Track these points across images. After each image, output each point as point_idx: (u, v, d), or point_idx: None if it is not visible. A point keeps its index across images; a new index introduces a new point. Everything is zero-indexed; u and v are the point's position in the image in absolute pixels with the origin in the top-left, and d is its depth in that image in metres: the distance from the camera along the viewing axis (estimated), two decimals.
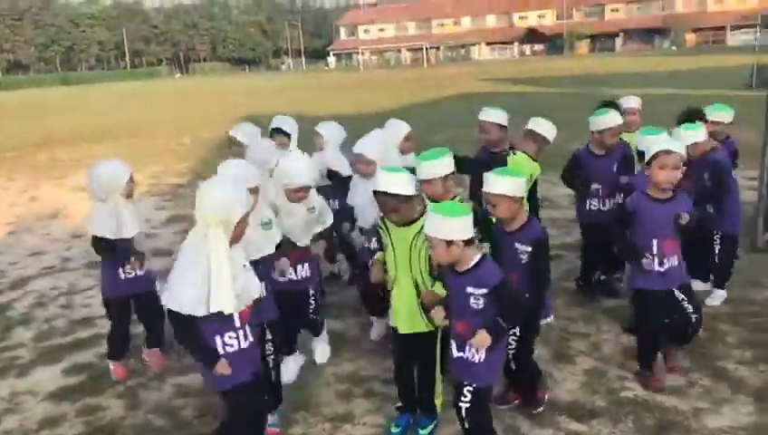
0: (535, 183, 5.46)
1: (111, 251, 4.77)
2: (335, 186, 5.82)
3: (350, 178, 6.10)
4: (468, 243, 3.31)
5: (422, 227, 3.68)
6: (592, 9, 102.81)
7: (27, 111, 38.03)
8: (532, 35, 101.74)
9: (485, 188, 3.86)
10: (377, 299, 4.83)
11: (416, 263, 3.80)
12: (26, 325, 6.17)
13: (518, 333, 4.07)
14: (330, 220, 4.83)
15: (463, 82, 39.27)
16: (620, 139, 5.77)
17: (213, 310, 3.25)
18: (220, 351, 3.38)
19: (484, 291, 3.31)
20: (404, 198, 3.65)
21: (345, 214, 5.50)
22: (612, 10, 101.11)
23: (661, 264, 4.31)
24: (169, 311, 3.33)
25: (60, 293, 7.01)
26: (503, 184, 3.78)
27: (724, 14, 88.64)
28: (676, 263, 4.36)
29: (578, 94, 24.29)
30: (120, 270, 4.85)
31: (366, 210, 4.95)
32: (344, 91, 40.02)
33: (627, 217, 4.44)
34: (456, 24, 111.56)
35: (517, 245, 3.90)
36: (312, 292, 4.81)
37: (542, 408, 4.17)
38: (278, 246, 4.24)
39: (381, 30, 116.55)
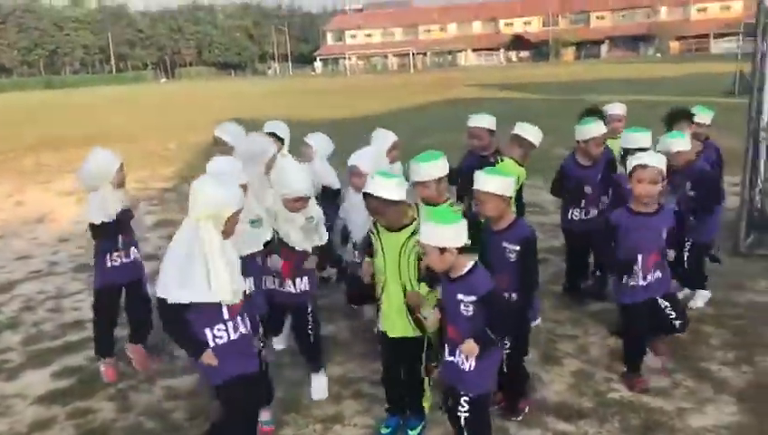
0: (521, 187, 5.53)
1: (108, 233, 4.84)
2: (326, 199, 5.87)
3: (339, 190, 6.17)
4: (461, 250, 3.34)
5: (412, 233, 3.77)
6: (578, 16, 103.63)
7: (11, 115, 37.71)
8: (518, 42, 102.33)
9: (476, 186, 3.91)
10: (361, 296, 4.88)
11: (405, 268, 3.85)
12: (14, 329, 6.15)
13: (512, 335, 4.11)
14: (325, 237, 4.68)
15: (449, 88, 39.43)
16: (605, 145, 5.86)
17: (212, 299, 3.30)
18: (210, 344, 3.43)
19: (474, 298, 3.33)
20: (390, 202, 3.71)
21: (334, 228, 5.57)
22: (598, 18, 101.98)
23: (645, 278, 4.43)
24: (159, 300, 3.37)
25: (47, 297, 7.00)
26: (492, 182, 3.84)
27: (708, 23, 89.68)
28: (660, 275, 4.47)
29: (563, 100, 24.48)
30: (108, 257, 4.91)
31: (359, 224, 4.99)
32: (332, 96, 40.06)
33: (611, 232, 4.52)
34: (443, 30, 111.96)
35: (505, 244, 3.96)
36: (310, 308, 4.63)
37: (520, 417, 4.20)
38: (267, 244, 4.26)
39: (368, 35, 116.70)
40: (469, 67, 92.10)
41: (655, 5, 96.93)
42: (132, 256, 5.04)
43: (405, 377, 4.10)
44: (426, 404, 4.12)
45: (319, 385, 4.65)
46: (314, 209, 4.58)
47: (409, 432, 4.09)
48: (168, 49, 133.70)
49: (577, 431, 4.06)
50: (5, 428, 4.45)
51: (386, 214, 3.77)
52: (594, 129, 5.65)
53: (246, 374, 3.55)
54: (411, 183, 4.10)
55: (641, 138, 5.30)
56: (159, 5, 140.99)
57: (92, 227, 4.86)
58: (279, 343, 5.30)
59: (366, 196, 3.78)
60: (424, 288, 3.79)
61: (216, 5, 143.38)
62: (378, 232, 3.93)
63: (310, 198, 4.45)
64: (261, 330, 4.14)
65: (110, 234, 4.88)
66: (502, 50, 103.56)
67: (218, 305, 3.44)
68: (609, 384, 4.58)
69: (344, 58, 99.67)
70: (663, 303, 4.50)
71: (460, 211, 3.72)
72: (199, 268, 3.31)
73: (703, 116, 6.24)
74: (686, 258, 5.72)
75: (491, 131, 5.66)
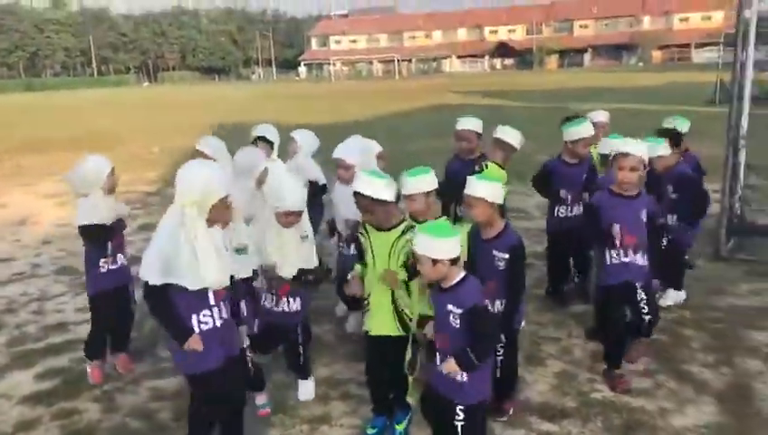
0: None
1: (97, 234, 4.82)
2: (312, 195, 5.90)
3: (324, 186, 6.21)
4: (454, 262, 3.39)
5: (402, 233, 3.82)
6: (562, 25, 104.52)
7: None
8: (502, 49, 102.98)
9: (466, 190, 3.96)
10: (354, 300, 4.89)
11: (393, 268, 3.88)
12: None
13: (503, 339, 4.16)
14: (314, 263, 4.49)
15: (434, 95, 39.60)
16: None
17: (200, 285, 3.34)
18: (195, 329, 3.45)
19: (461, 311, 3.34)
20: (378, 202, 3.76)
21: (316, 222, 5.61)
22: (581, 26, 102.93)
23: (626, 255, 4.51)
24: (145, 285, 3.38)
25: (30, 299, 6.95)
26: (482, 188, 3.90)
27: (690, 32, 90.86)
28: (640, 262, 4.55)
29: (547, 108, 24.67)
30: (101, 262, 4.89)
31: (346, 216, 5.04)
32: (317, 101, 40.08)
33: (593, 212, 4.66)
34: (428, 36, 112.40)
35: (495, 252, 4.01)
36: (300, 328, 4.57)
37: (505, 418, 4.25)
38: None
39: (353, 41, 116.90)
40: (454, 74, 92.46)
41: (637, 15, 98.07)
42: (119, 263, 5.02)
43: (389, 375, 4.12)
44: (410, 398, 4.13)
45: (306, 389, 4.67)
46: (308, 226, 4.47)
47: (396, 427, 4.13)
48: (151, 53, 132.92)
49: (560, 431, 4.12)
50: None
51: (375, 213, 3.82)
52: (583, 130, 5.76)
53: (222, 367, 3.55)
54: (402, 195, 4.12)
55: (618, 143, 5.40)
56: (143, 9, 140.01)
57: (83, 229, 4.81)
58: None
59: (356, 194, 3.83)
60: (402, 273, 3.82)
61: (200, 10, 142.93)
62: (367, 232, 3.97)
63: (301, 212, 4.34)
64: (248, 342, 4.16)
65: (101, 238, 4.86)
66: (486, 57, 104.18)
67: (205, 291, 3.46)
68: (591, 385, 4.65)
69: (329, 64, 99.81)
70: (640, 294, 4.55)
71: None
72: (185, 255, 3.32)
73: (680, 125, 6.38)
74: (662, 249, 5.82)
75: (478, 134, 5.76)
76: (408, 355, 4.01)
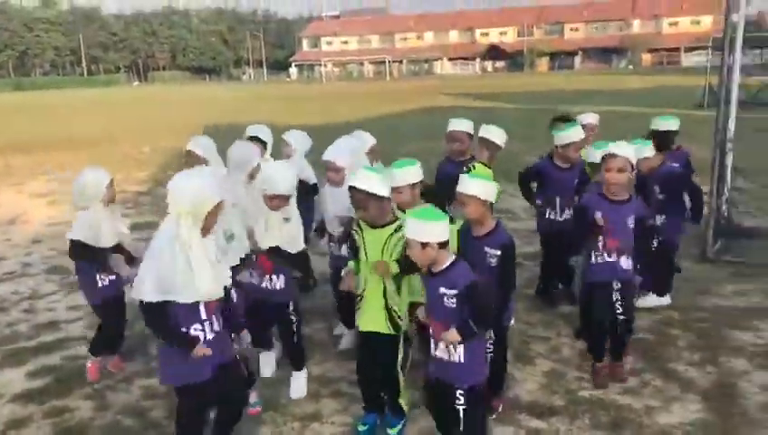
0: None
1: (86, 255, 4.79)
2: (302, 194, 5.94)
3: (315, 186, 6.25)
4: (443, 246, 3.46)
5: (395, 231, 3.88)
6: (552, 28, 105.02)
7: None
8: (493, 52, 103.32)
9: (459, 188, 4.02)
10: (350, 309, 4.92)
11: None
12: None
13: (493, 336, 4.22)
14: (299, 248, 4.61)
15: (426, 96, 39.71)
16: None
17: (184, 299, 3.35)
18: None
19: (455, 291, 3.44)
20: (373, 196, 3.81)
21: (308, 223, 5.64)
22: (572, 29, 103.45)
23: (609, 256, 4.62)
24: (140, 303, 3.40)
25: (21, 298, 6.95)
26: (474, 186, 3.95)
27: (679, 36, 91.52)
28: (624, 265, 4.63)
29: (538, 110, 24.80)
30: (98, 277, 4.89)
31: (336, 219, 5.08)
32: (308, 102, 40.09)
33: (582, 213, 4.75)
34: (419, 38, 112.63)
35: (486, 249, 4.06)
36: (291, 306, 4.66)
37: (494, 416, 4.30)
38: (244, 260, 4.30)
39: (344, 42, 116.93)
40: (445, 76, 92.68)
41: (627, 18, 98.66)
42: (113, 277, 5.00)
43: (381, 376, 4.16)
44: (403, 402, 4.18)
45: (298, 385, 4.71)
46: (293, 211, 4.58)
47: (389, 431, 4.16)
48: (141, 52, 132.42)
49: (549, 428, 4.18)
50: None
51: (369, 208, 3.86)
52: (573, 134, 5.82)
53: (207, 381, 3.56)
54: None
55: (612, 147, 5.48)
56: (133, 8, 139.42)
57: (74, 245, 4.77)
58: (267, 369, 5.08)
59: (350, 188, 3.88)
60: (395, 267, 3.87)
61: (190, 10, 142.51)
62: (360, 228, 4.02)
63: (289, 197, 4.47)
64: (249, 339, 4.21)
65: (88, 259, 4.83)
66: (478, 59, 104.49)
67: (196, 305, 3.47)
68: (579, 383, 4.71)
69: (320, 65, 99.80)
70: (616, 295, 4.63)
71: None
72: (180, 267, 3.33)
73: (668, 123, 6.47)
74: (652, 250, 5.90)
75: (470, 136, 5.83)
76: (401, 354, 4.07)
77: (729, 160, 7.60)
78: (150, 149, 19.13)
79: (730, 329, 5.52)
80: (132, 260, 4.94)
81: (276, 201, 4.39)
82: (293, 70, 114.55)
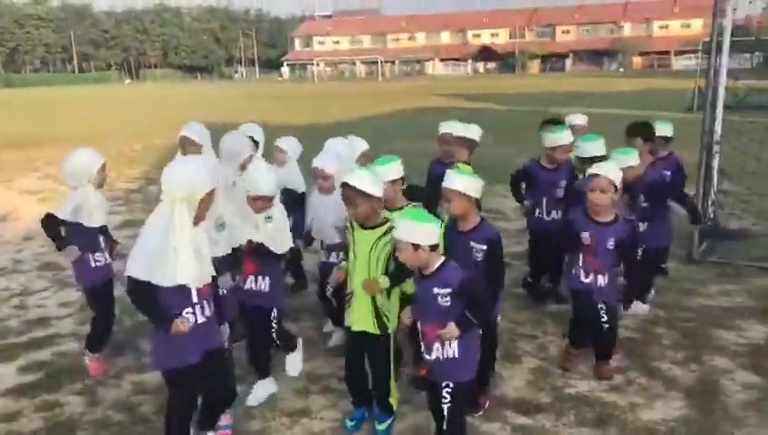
0: None
1: (58, 232, 4.79)
2: (289, 201, 6.00)
3: (303, 195, 6.30)
4: (433, 248, 3.52)
5: (384, 234, 3.95)
6: (544, 30, 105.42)
7: None
8: (485, 53, 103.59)
9: (444, 184, 4.08)
10: (339, 307, 4.96)
11: (373, 266, 3.99)
12: None
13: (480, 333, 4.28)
14: (282, 250, 4.55)
15: (418, 97, 39.81)
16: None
17: (174, 283, 3.39)
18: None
19: (449, 290, 3.51)
20: (363, 194, 3.87)
21: (296, 229, 5.69)
22: (563, 32, 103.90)
23: (586, 276, 4.74)
24: (128, 278, 3.43)
25: (12, 294, 6.96)
26: (459, 181, 4.02)
27: (669, 40, 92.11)
28: (602, 283, 4.74)
29: (529, 112, 24.93)
30: (91, 258, 4.90)
31: (325, 225, 5.11)
32: (300, 101, 40.10)
33: (569, 226, 4.86)
34: (411, 39, 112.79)
35: (472, 244, 4.13)
36: (274, 313, 4.60)
37: (481, 412, 4.37)
38: (236, 250, 4.30)
39: (336, 42, 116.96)
40: (437, 76, 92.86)
41: (618, 21, 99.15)
42: (106, 259, 5.02)
43: (371, 376, 4.22)
44: (393, 401, 4.23)
45: (293, 362, 4.80)
46: (276, 211, 4.53)
47: (377, 426, 4.20)
48: (133, 50, 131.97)
49: (535, 425, 4.24)
50: None
51: (357, 206, 3.92)
52: (562, 137, 5.93)
53: (196, 365, 3.61)
54: None
55: (593, 147, 5.56)
56: (125, 6, 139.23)
57: (48, 217, 4.75)
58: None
59: (343, 185, 3.95)
60: (385, 281, 3.94)
61: (182, 7, 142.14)
62: (352, 228, 4.08)
63: (272, 198, 4.44)
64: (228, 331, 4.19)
65: (56, 235, 4.82)
66: (469, 60, 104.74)
67: (188, 288, 3.52)
68: (566, 381, 4.79)
69: (312, 64, 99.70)
70: (599, 303, 4.75)
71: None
72: (169, 251, 3.38)
73: (663, 128, 6.59)
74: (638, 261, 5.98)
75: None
76: (391, 353, 4.13)
77: (715, 163, 7.70)
78: (142, 147, 19.13)
79: (714, 328, 5.61)
80: (113, 244, 5.05)
81: (260, 202, 4.39)
82: (285, 69, 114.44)
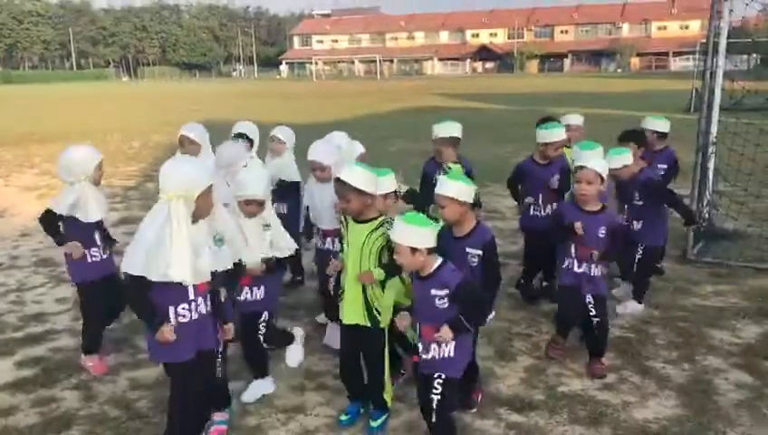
0: None
1: (51, 227, 4.81)
2: (284, 190, 6.04)
3: (298, 184, 6.33)
4: (431, 251, 3.57)
5: (376, 228, 3.98)
6: (542, 30, 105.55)
7: None
8: (483, 53, 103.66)
9: (437, 190, 4.11)
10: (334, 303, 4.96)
11: (365, 260, 4.03)
12: None
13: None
14: (288, 252, 4.52)
15: (416, 96, 39.83)
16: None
17: (170, 279, 3.40)
18: (172, 321, 3.54)
19: (447, 291, 3.56)
20: (355, 190, 3.90)
21: (292, 219, 5.71)
22: (562, 32, 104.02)
23: (579, 265, 4.82)
24: (125, 275, 3.46)
25: (9, 290, 6.97)
26: (451, 187, 4.03)
27: (667, 41, 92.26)
28: (594, 273, 4.82)
29: (528, 111, 24.96)
30: (87, 254, 4.90)
31: (323, 212, 5.16)
32: (299, 100, 40.10)
33: (559, 217, 4.97)
34: (410, 38, 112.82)
35: (468, 249, 4.15)
36: (264, 316, 4.54)
37: (474, 409, 4.40)
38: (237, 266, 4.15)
39: (335, 41, 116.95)
40: (435, 76, 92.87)
41: (617, 22, 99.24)
42: (105, 254, 5.03)
43: (366, 371, 4.25)
44: (387, 397, 4.26)
45: (293, 354, 4.71)
46: (272, 218, 4.48)
47: (372, 423, 4.22)
48: (131, 47, 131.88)
49: (528, 422, 4.27)
50: None
51: (350, 200, 3.95)
52: (554, 134, 5.97)
53: (196, 359, 3.66)
54: None
55: (590, 155, 5.57)
56: (124, 3, 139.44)
57: (48, 213, 4.78)
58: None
59: (337, 180, 3.99)
60: (380, 273, 3.98)
61: (181, 5, 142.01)
62: (346, 221, 4.13)
63: (263, 202, 4.34)
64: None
65: (56, 233, 4.84)
66: (468, 60, 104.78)
67: (185, 285, 3.53)
68: (559, 379, 4.81)
69: (310, 63, 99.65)
70: (590, 299, 4.84)
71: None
72: (164, 248, 3.40)
73: (658, 123, 6.65)
74: (637, 261, 6.03)
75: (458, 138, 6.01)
76: (385, 348, 4.16)
77: (711, 164, 7.73)
78: (140, 145, 19.13)
79: (708, 328, 5.64)
80: (109, 240, 5.06)
81: (251, 207, 4.29)
82: (284, 67, 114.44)
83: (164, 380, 4.79)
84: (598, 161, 4.80)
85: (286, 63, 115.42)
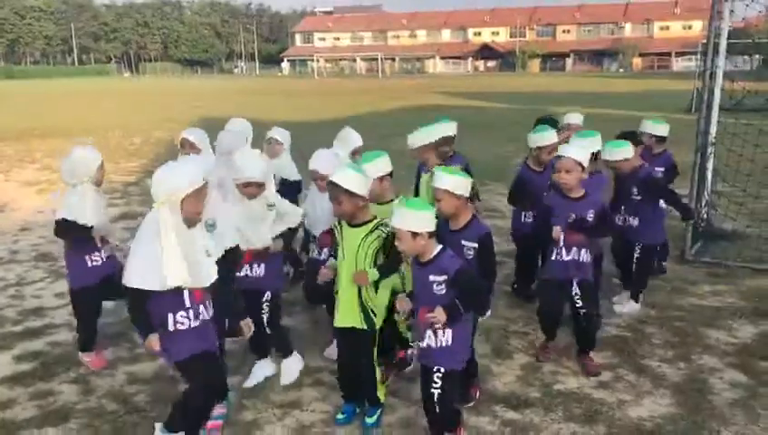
0: None
1: (72, 233, 4.83)
2: (287, 189, 6.05)
3: (299, 183, 6.34)
4: (431, 235, 3.60)
5: (371, 231, 4.01)
6: (545, 29, 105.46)
7: None
8: (485, 51, 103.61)
9: (433, 183, 4.13)
10: (318, 294, 4.97)
11: (360, 263, 4.03)
12: None
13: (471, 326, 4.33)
14: (297, 220, 4.72)
15: (418, 94, 39.82)
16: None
17: (167, 286, 3.44)
18: (171, 328, 3.59)
19: (445, 277, 3.60)
20: (347, 193, 3.91)
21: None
22: (564, 31, 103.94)
23: (568, 253, 4.85)
24: (126, 288, 3.52)
25: (8, 284, 6.99)
26: (447, 180, 4.06)
27: (670, 41, 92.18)
28: (583, 258, 4.85)
29: (529, 110, 24.94)
30: (87, 258, 4.91)
31: (322, 220, 5.15)
32: (301, 97, 40.10)
33: (546, 211, 4.99)
34: (412, 36, 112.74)
35: (464, 242, 4.17)
36: (266, 295, 4.61)
37: (472, 403, 4.42)
38: (230, 252, 4.16)
39: (337, 39, 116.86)
40: (437, 74, 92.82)
41: (619, 22, 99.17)
42: (105, 255, 5.03)
43: (359, 370, 4.24)
44: (380, 393, 4.28)
45: (288, 370, 4.75)
46: (274, 197, 4.56)
47: (367, 419, 4.24)
48: (133, 43, 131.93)
49: (523, 419, 4.29)
50: None
51: (342, 203, 3.96)
52: (545, 138, 5.95)
53: (203, 352, 3.71)
54: None
55: (588, 143, 5.57)
56: None
57: (60, 221, 4.79)
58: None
59: (329, 183, 4.00)
60: (374, 274, 3.99)
61: (183, 1, 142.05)
62: (340, 226, 4.13)
63: (262, 184, 4.40)
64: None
65: (76, 237, 4.85)
66: (470, 58, 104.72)
67: (180, 292, 3.56)
68: (555, 377, 4.84)
69: (312, 60, 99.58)
70: (576, 289, 4.87)
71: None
72: (155, 254, 3.43)
73: (657, 127, 6.65)
74: (635, 260, 6.04)
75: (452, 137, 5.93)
76: (376, 348, 4.18)
77: (710, 164, 7.74)
78: (141, 141, 19.15)
79: (704, 328, 5.65)
80: (106, 243, 5.04)
81: (251, 188, 4.35)
82: (285, 64, 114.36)
83: (162, 374, 4.86)
84: (575, 150, 4.84)
85: (288, 61, 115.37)
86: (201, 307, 3.69)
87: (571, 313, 5.00)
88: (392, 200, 4.43)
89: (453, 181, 4.05)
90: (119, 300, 5.20)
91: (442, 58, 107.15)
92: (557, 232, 4.80)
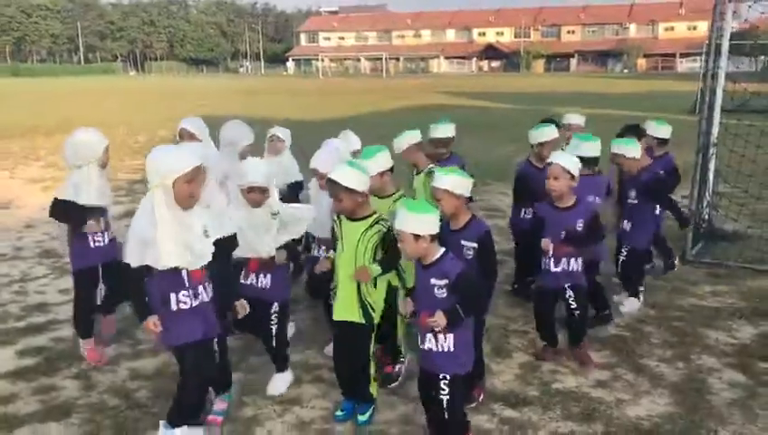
0: None
1: (65, 214, 4.85)
2: (290, 191, 6.09)
3: (301, 183, 6.38)
4: (434, 238, 3.60)
5: (370, 226, 4.03)
6: (549, 30, 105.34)
7: None
8: (490, 51, 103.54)
9: (433, 183, 4.16)
10: (320, 288, 4.99)
11: (360, 258, 4.06)
12: None
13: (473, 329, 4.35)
14: (301, 231, 4.67)
15: (423, 94, 39.83)
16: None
17: (163, 265, 3.52)
18: (173, 307, 3.65)
19: (446, 281, 3.59)
20: (346, 189, 3.94)
21: None
22: (568, 32, 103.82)
23: (557, 264, 4.89)
24: (123, 265, 3.59)
25: (12, 280, 7.04)
26: (447, 180, 4.08)
27: (675, 42, 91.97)
28: (573, 267, 4.90)
29: (533, 111, 24.94)
30: (90, 239, 4.94)
31: (323, 218, 5.17)
32: (305, 97, 40.15)
33: (538, 221, 5.04)
34: (417, 36, 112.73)
35: (463, 242, 4.19)
36: (274, 307, 4.55)
37: (474, 404, 4.42)
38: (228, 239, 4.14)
39: (342, 38, 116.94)
40: (441, 74, 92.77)
41: (623, 22, 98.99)
42: (107, 239, 5.06)
43: (353, 365, 4.26)
44: (373, 390, 4.30)
45: (275, 383, 4.66)
46: (278, 204, 4.53)
47: (360, 417, 4.26)
48: (139, 42, 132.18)
49: (521, 417, 4.31)
50: None
51: (342, 200, 3.99)
52: (546, 133, 5.99)
53: (200, 341, 3.77)
54: None
55: (588, 146, 5.56)
56: None
57: (56, 202, 4.81)
58: None
59: (328, 180, 4.02)
60: (376, 269, 4.02)
61: (189, 0, 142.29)
62: (339, 220, 4.16)
63: (266, 189, 4.35)
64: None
65: (71, 219, 4.87)
66: (474, 59, 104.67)
67: (178, 272, 3.63)
68: (554, 376, 4.86)
69: (317, 60, 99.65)
70: (569, 293, 4.94)
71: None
72: (150, 235, 3.51)
73: (660, 129, 6.67)
74: (620, 262, 6.08)
75: (452, 138, 6.05)
76: (372, 344, 4.21)
77: (712, 165, 7.75)
78: (145, 139, 19.22)
79: (704, 328, 5.67)
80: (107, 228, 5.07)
81: (254, 194, 4.30)
82: (290, 64, 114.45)
83: (164, 370, 4.90)
84: (566, 158, 4.84)
85: (293, 60, 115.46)
86: (200, 287, 3.75)
87: (565, 313, 5.09)
88: (393, 194, 4.46)
89: (452, 181, 4.07)
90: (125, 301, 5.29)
91: (446, 58, 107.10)
92: (546, 244, 4.84)
